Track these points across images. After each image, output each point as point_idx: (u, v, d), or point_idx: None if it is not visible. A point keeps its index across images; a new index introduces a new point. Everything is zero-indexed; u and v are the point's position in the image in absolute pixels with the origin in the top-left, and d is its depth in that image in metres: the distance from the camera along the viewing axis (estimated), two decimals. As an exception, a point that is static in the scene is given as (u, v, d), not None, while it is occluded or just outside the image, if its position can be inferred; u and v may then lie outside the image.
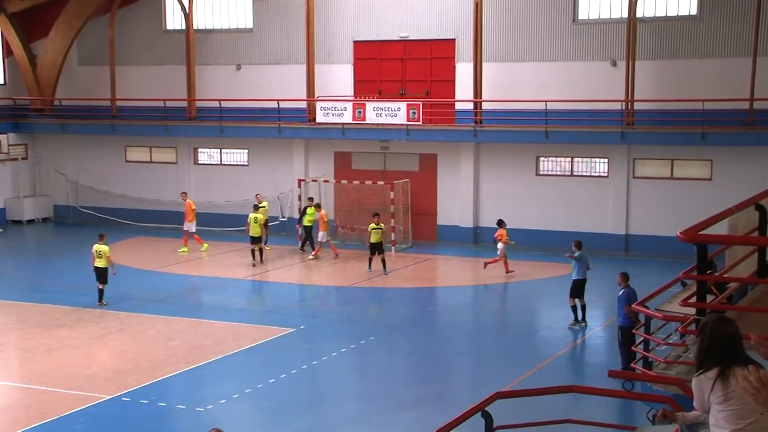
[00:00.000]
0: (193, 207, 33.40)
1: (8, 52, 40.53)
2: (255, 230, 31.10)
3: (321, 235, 31.93)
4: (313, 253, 32.11)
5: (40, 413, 16.88)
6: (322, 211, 32.18)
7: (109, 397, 17.72)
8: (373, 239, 29.53)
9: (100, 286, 25.17)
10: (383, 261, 29.54)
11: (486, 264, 29.32)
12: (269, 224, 33.41)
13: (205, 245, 32.83)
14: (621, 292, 19.40)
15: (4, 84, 40.85)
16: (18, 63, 40.20)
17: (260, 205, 32.76)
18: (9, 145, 38.75)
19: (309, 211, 32.60)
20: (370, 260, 29.74)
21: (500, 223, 29.49)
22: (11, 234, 38.13)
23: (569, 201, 33.03)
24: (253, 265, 30.90)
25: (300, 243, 33.21)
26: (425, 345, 22.32)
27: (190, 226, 32.99)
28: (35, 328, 22.96)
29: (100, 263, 25.06)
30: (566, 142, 32.38)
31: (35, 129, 40.30)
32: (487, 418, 9.68)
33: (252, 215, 31.40)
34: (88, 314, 24.26)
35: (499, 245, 29.12)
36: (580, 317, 23.20)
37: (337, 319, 24.57)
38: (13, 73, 40.83)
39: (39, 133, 40.63)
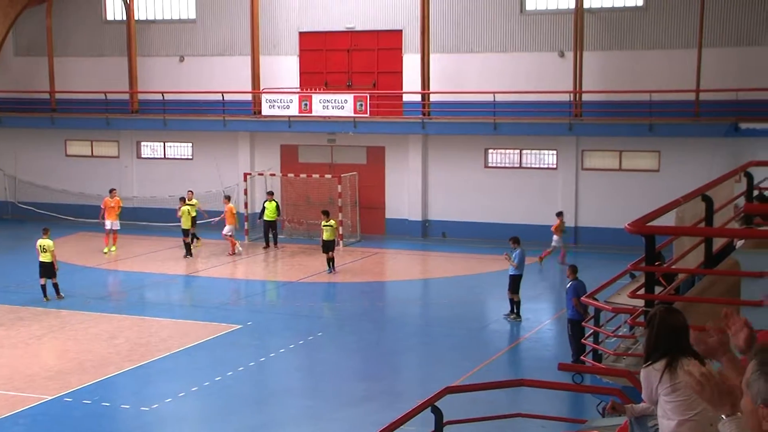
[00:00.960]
0: (121, 204, 32.67)
1: (-57, 43, 39.51)
2: (187, 222, 30.78)
3: (227, 229, 31.11)
4: (230, 251, 31.38)
5: (-24, 416, 16.40)
6: (230, 205, 31.39)
7: (51, 398, 17.28)
8: (325, 237, 28.67)
9: (42, 282, 24.71)
10: (332, 259, 28.72)
11: (541, 258, 28.75)
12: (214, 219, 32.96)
13: (114, 248, 31.84)
14: (569, 285, 19.42)
15: (-61, 76, 39.85)
16: (-47, 54, 39.24)
17: (190, 201, 31.83)
18: (-56, 140, 37.74)
19: (267, 205, 31.95)
20: (328, 260, 28.69)
21: (559, 214, 29.42)
22: (-52, 231, 37.18)
23: (518, 193, 32.98)
24: (185, 257, 30.63)
25: (264, 239, 32.45)
26: (374, 340, 22.14)
27: (116, 224, 31.89)
28: (-28, 328, 22.34)
29: (44, 258, 24.57)
30: (515, 134, 32.31)
31: (-30, 122, 39.35)
32: (437, 413, 9.56)
33: (185, 207, 31.00)
34: (27, 312, 23.66)
35: (555, 237, 29.05)
36: (514, 311, 23.16)
37: (284, 315, 24.23)
38: (-52, 65, 39.86)
39: (-26, 126, 39.69)
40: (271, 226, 32.12)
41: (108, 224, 31.66)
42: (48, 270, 24.66)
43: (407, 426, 9.41)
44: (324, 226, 28.66)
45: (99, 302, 24.94)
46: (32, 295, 24.96)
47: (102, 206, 32.28)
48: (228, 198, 32.05)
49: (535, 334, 22.23)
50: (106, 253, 31.47)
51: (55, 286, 24.81)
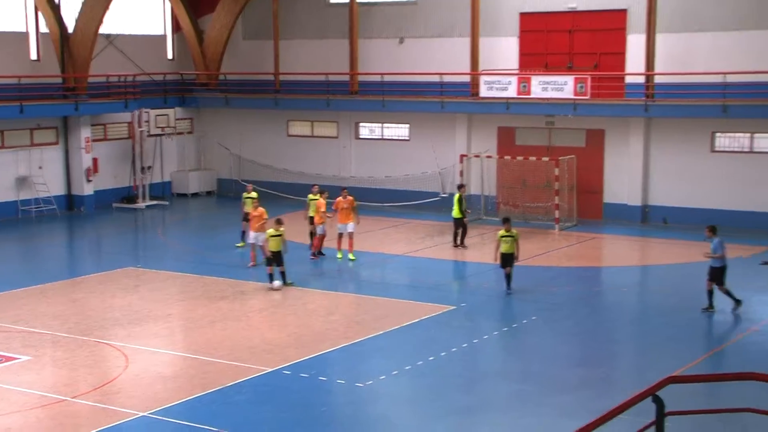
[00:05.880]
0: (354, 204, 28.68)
1: (177, 27, 41.44)
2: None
3: (320, 229, 27.79)
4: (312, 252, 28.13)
5: (203, 383, 17.00)
6: (320, 200, 27.79)
7: (270, 370, 17.69)
8: (504, 249, 23.67)
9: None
10: (509, 276, 24.19)
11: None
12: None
13: (351, 256, 27.59)
14: None
15: (173, 59, 41.83)
16: (186, 38, 41.09)
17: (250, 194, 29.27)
18: (176, 120, 39.57)
19: (456, 200, 29.22)
20: (506, 276, 23.96)
21: None
22: (176, 207, 39.02)
23: (748, 179, 31.29)
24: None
25: (453, 237, 29.86)
26: (590, 326, 21.53)
27: (350, 226, 27.53)
28: (199, 300, 23.24)
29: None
30: (746, 116, 30.66)
31: (200, 103, 41.11)
32: (659, 403, 9.03)
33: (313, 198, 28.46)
34: (249, 287, 24.42)
35: None
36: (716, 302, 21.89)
37: (498, 298, 23.92)
38: (180, 48, 41.77)
39: (204, 107, 41.44)
40: (457, 223, 29.26)
41: (340, 227, 27.77)
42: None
43: (623, 415, 9.02)
44: (502, 237, 23.80)
45: (317, 279, 25.43)
46: (254, 271, 25.88)
47: (334, 207, 28.18)
48: (321, 193, 28.37)
49: (764, 327, 20.94)
50: (340, 258, 27.67)
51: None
